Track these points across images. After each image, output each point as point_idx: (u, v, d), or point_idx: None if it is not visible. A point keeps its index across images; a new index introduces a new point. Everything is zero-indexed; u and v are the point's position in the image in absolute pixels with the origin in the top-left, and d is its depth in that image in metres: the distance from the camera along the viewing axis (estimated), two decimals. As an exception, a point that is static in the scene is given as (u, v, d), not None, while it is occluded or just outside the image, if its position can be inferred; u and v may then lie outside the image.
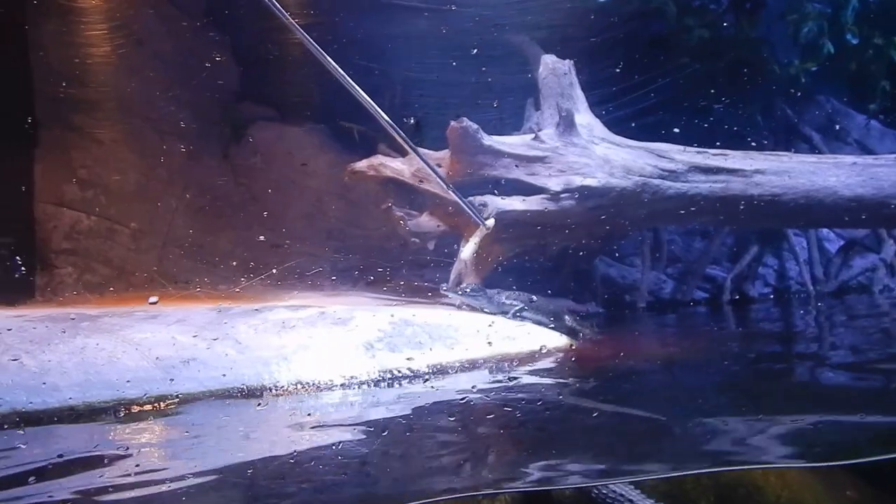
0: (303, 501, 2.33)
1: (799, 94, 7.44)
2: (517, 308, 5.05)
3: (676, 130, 5.99)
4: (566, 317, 5.19)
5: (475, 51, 5.55)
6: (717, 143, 6.06)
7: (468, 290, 5.20)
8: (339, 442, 2.80)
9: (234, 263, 6.05)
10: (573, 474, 2.56)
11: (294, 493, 2.36)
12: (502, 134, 5.84)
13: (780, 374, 4.14)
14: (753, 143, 6.42)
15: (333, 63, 4.87)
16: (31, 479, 2.40)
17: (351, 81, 4.92)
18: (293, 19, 4.82)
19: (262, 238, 6.37)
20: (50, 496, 2.30)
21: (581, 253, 6.33)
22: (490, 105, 6.01)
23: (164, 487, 2.33)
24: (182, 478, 2.39)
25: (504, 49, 6.23)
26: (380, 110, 5.08)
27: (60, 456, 2.67)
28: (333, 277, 6.18)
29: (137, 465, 2.54)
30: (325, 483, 2.42)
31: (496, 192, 5.64)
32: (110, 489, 2.33)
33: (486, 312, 5.00)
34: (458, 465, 2.58)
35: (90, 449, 2.84)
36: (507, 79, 6.20)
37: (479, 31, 5.87)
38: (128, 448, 2.76)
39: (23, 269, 6.40)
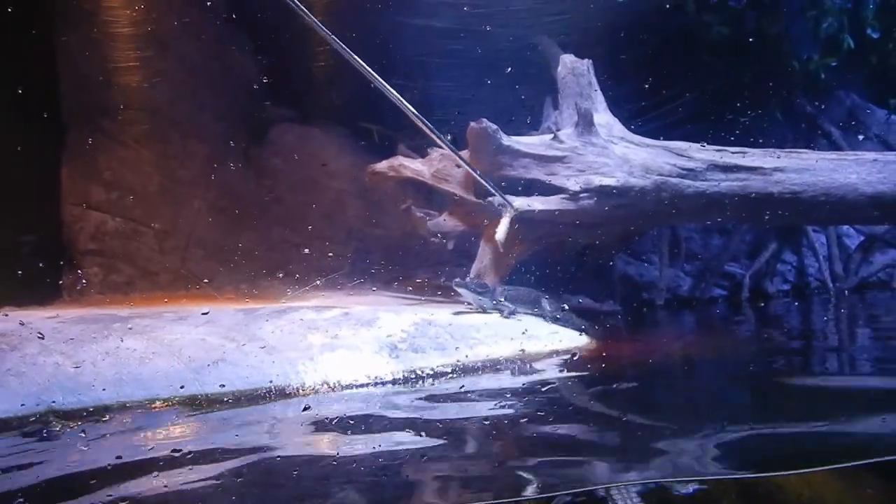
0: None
1: (819, 89, 7.41)
2: (510, 309, 5.03)
3: (694, 126, 6.01)
4: (546, 306, 5.17)
5: (509, 70, 5.63)
6: (737, 140, 6.07)
7: (474, 286, 5.17)
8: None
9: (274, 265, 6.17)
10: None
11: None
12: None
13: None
14: (773, 140, 6.42)
15: (364, 64, 4.91)
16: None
17: (384, 83, 4.95)
18: (313, 6, 4.86)
19: (307, 251, 6.49)
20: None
21: (600, 252, 6.36)
22: (524, 121, 6.10)
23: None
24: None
25: (538, 68, 6.34)
26: (411, 107, 5.13)
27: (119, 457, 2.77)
28: (355, 278, 6.27)
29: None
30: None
31: (519, 189, 5.68)
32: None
33: (484, 311, 4.99)
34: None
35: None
36: (542, 96, 6.30)
37: (513, 51, 5.98)
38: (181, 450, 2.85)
39: (50, 269, 6.55)
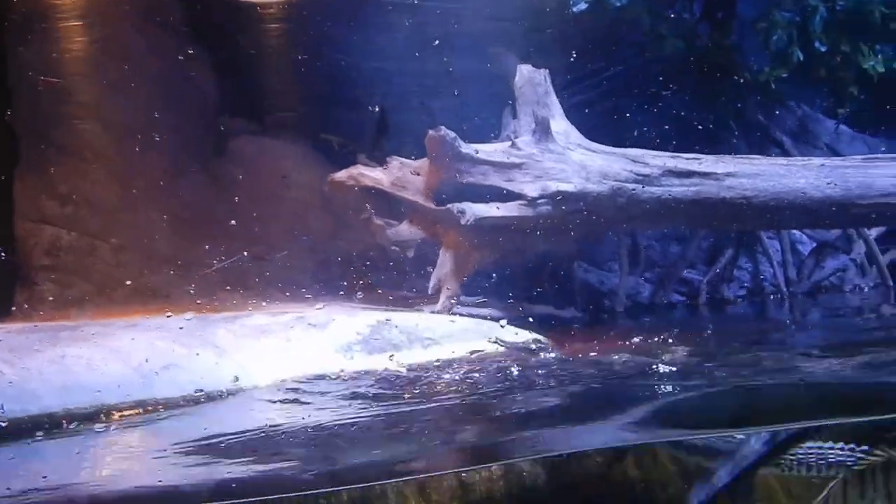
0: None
1: (770, 100, 7.61)
2: None
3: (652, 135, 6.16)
4: None
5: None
6: (693, 148, 6.21)
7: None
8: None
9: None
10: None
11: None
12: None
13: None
14: (727, 149, 6.58)
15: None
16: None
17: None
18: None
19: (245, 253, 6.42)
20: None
21: (559, 258, 6.42)
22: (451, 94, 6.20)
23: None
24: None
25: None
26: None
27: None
28: (316, 289, 6.23)
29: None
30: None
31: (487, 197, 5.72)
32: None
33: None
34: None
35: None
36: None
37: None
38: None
39: (2, 286, 6.40)
